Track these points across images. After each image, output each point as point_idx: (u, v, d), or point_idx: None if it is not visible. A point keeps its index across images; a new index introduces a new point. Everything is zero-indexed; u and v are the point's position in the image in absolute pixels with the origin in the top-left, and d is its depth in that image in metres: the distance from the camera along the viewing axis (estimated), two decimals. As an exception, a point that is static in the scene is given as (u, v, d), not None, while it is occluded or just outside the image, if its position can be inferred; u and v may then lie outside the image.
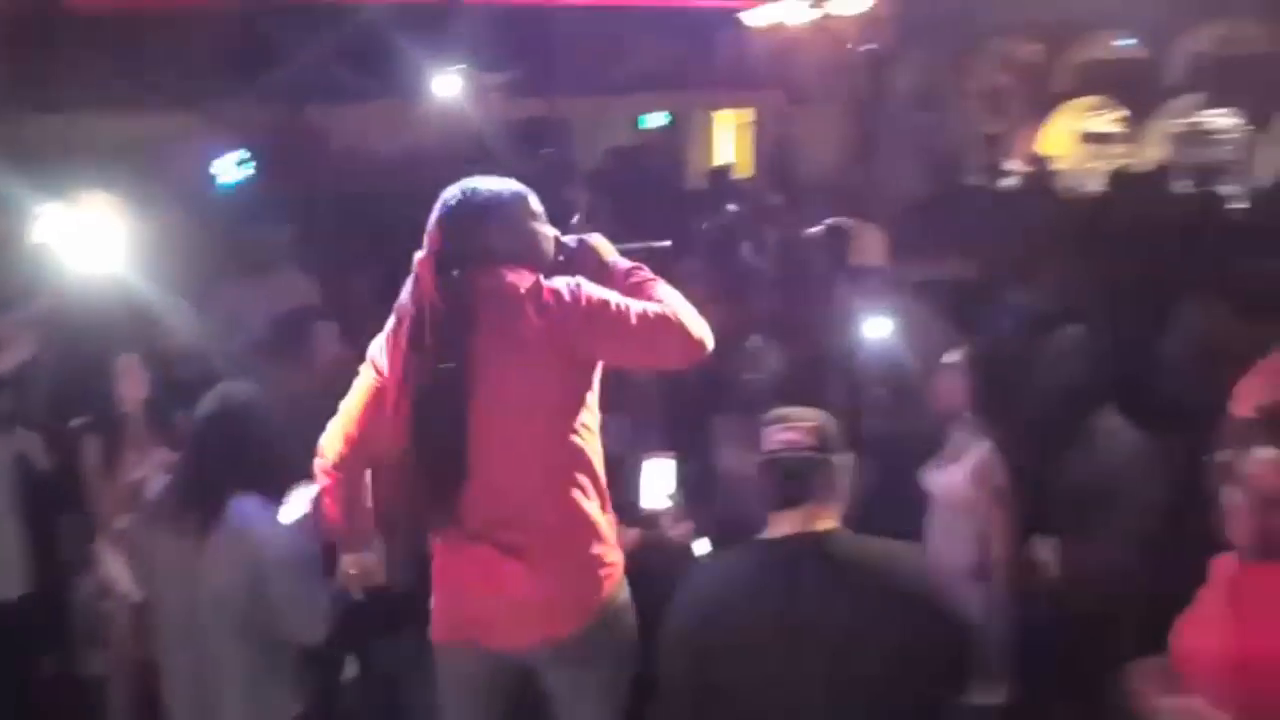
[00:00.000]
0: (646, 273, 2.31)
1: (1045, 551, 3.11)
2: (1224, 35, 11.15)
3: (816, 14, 6.75)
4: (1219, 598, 2.27)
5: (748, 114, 14.77)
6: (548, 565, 2.18)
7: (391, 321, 2.27)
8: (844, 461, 2.18)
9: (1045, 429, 3.16)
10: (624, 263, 2.33)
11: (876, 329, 3.86)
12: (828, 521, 2.13)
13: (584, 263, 2.30)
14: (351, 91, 9.76)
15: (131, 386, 3.47)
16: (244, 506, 2.65)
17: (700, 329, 2.18)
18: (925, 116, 13.86)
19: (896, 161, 12.41)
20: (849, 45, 6.98)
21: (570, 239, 2.34)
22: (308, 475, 2.54)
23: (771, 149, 13.14)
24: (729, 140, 15.27)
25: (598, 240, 2.37)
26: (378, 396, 2.30)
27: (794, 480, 2.11)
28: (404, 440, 2.18)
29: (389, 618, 2.95)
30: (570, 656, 2.23)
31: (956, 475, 3.13)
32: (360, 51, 9.65)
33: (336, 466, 2.40)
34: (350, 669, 3.38)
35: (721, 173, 11.02)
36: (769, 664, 2.02)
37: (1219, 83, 11.19)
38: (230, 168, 9.69)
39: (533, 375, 2.14)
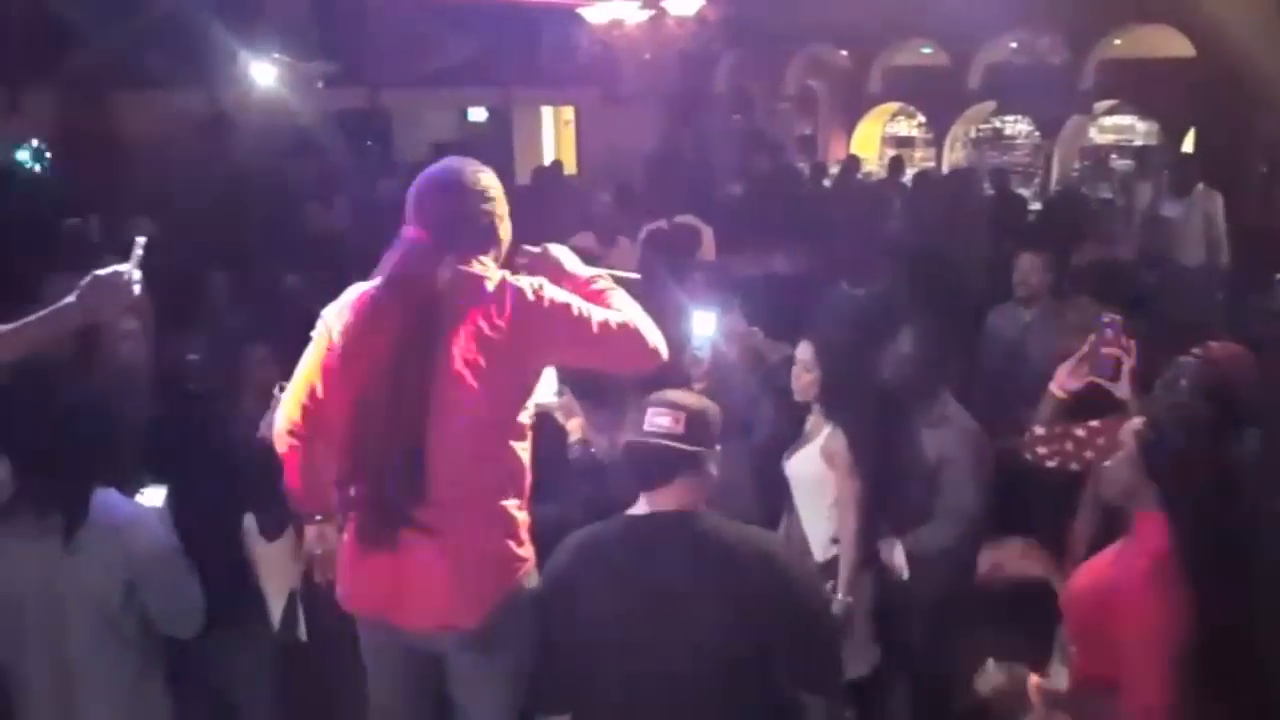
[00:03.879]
0: (606, 281, 2.38)
1: (889, 553, 3.25)
2: (1018, 47, 11.93)
3: (650, 13, 6.86)
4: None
5: (568, 111, 14.83)
6: (458, 553, 2.20)
7: (368, 290, 2.23)
8: (710, 449, 2.24)
9: (891, 416, 3.30)
10: (585, 271, 2.39)
11: (709, 323, 3.96)
12: (691, 503, 2.22)
13: (544, 270, 2.35)
14: (158, 78, 9.21)
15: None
16: (108, 501, 2.55)
17: (656, 339, 2.28)
18: (741, 117, 14.31)
19: (714, 160, 12.73)
20: (673, 45, 7.13)
21: (533, 247, 2.38)
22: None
23: (597, 146, 13.21)
24: (553, 137, 15.29)
25: (560, 250, 2.41)
26: (332, 363, 2.26)
27: (657, 465, 2.19)
28: (359, 411, 2.17)
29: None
30: (473, 644, 2.26)
31: (810, 457, 3.25)
32: (166, 35, 9.14)
33: (292, 433, 2.36)
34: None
35: (549, 170, 11.00)
36: (629, 629, 2.10)
37: (1013, 91, 11.97)
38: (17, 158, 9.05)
39: (483, 368, 2.15)
